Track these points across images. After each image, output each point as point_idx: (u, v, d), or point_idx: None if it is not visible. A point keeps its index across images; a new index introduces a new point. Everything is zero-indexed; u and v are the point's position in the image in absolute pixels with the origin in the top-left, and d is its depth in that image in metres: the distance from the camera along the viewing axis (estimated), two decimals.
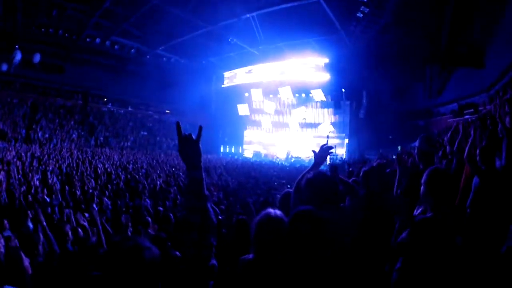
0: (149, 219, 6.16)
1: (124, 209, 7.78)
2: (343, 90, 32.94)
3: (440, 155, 5.67)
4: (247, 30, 29.25)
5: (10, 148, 18.40)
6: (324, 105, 37.00)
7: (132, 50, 33.99)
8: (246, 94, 39.33)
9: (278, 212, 2.43)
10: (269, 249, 2.31)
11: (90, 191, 9.10)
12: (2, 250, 3.93)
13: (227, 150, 41.24)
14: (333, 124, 36.22)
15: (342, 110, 35.58)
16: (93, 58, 33.84)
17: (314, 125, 37.25)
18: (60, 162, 14.95)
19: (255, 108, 40.40)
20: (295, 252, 2.25)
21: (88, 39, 31.07)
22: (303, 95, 36.85)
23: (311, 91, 34.83)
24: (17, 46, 27.23)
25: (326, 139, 31.87)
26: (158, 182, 11.37)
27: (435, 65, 25.33)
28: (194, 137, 1.89)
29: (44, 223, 4.72)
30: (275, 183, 14.32)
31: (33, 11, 25.44)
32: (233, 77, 39.47)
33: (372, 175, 4.02)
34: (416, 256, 2.63)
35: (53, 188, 8.55)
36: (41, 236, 4.52)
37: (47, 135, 28.30)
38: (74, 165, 14.51)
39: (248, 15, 27.46)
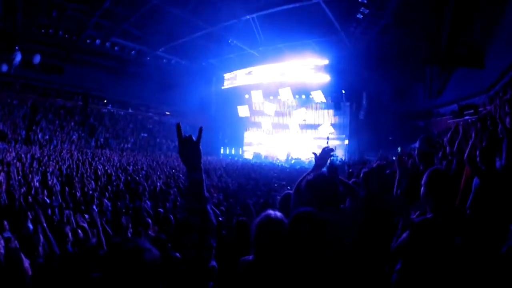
0: (149, 220, 6.16)
1: (124, 210, 7.78)
2: (343, 91, 32.92)
3: (440, 156, 5.67)
4: (247, 32, 29.30)
5: (10, 149, 18.38)
6: (324, 106, 36.97)
7: (133, 52, 34.02)
8: (246, 96, 39.33)
9: (278, 213, 2.43)
10: (269, 250, 2.31)
11: (90, 192, 9.10)
12: (2, 251, 3.92)
13: (227, 151, 41.24)
14: (333, 125, 36.18)
15: (342, 112, 35.53)
16: (93, 59, 33.84)
17: (314, 127, 37.23)
18: (60, 163, 14.94)
19: (255, 110, 40.39)
20: (295, 254, 2.26)
21: (88, 40, 31.05)
22: (303, 96, 36.82)
23: (311, 92, 34.82)
24: (17, 47, 27.23)
25: (326, 140, 31.94)
26: (158, 184, 11.38)
27: (435, 66, 25.31)
28: (194, 138, 1.89)
29: (44, 224, 4.72)
30: (275, 185, 14.33)
31: (33, 11, 25.44)
32: (233, 79, 39.52)
33: (372, 176, 4.03)
34: (416, 257, 2.63)
35: (53, 190, 8.54)
36: (41, 237, 4.52)
37: (47, 136, 28.29)
38: (74, 166, 14.49)
39: (248, 17, 27.48)
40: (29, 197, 7.71)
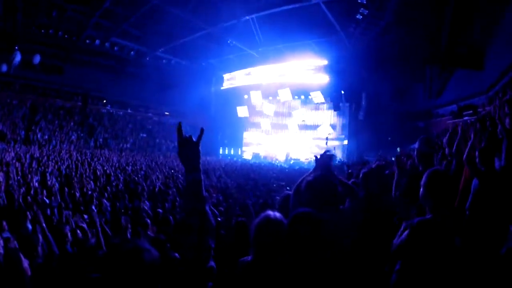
0: (148, 221, 6.15)
1: (123, 211, 7.77)
2: (343, 92, 32.92)
3: (440, 157, 5.67)
4: (246, 32, 29.31)
5: (9, 149, 18.36)
6: (323, 107, 36.99)
7: (132, 52, 34.02)
8: (246, 96, 39.39)
9: (277, 214, 2.43)
10: (268, 251, 2.31)
11: (89, 192, 9.09)
12: (2, 251, 3.92)
13: (226, 152, 41.28)
14: (332, 126, 36.20)
15: (341, 112, 35.56)
16: (93, 59, 33.86)
17: (313, 127, 37.24)
18: (59, 163, 14.92)
19: (255, 110, 40.41)
20: (294, 254, 2.26)
21: (87, 40, 31.06)
22: (303, 97, 36.86)
23: (311, 93, 34.84)
24: (16, 47, 27.22)
25: (325, 141, 31.97)
26: (157, 184, 11.36)
27: (435, 66, 25.32)
28: (194, 139, 1.88)
29: (43, 225, 4.72)
30: (274, 185, 14.33)
31: (33, 12, 25.44)
32: (233, 79, 39.54)
33: (372, 176, 4.02)
34: (415, 257, 2.63)
35: (52, 190, 8.53)
36: (40, 237, 4.52)
37: (46, 137, 28.28)
38: (73, 166, 14.47)
39: (247, 17, 27.49)
40: (28, 197, 7.70)
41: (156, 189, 10.64)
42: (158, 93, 37.60)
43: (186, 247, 1.76)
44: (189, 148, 1.87)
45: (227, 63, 36.96)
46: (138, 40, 32.25)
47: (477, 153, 3.81)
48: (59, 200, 7.72)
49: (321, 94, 33.95)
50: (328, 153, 3.36)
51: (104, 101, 37.22)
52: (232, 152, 41.21)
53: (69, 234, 4.82)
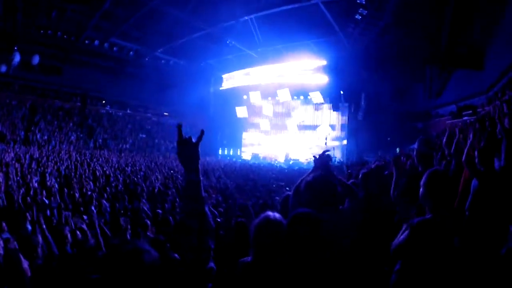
0: (148, 221, 6.15)
1: (122, 211, 7.77)
2: (342, 92, 32.91)
3: (439, 157, 5.67)
4: (245, 33, 29.31)
5: (9, 150, 18.36)
6: (322, 107, 36.99)
7: (131, 52, 34.00)
8: (245, 97, 39.40)
9: (277, 215, 2.43)
10: (267, 251, 2.31)
11: (89, 193, 9.08)
12: (1, 252, 3.92)
13: (226, 152, 41.20)
14: (331, 126, 36.20)
15: (340, 112, 35.56)
16: (92, 60, 33.79)
17: (313, 127, 37.24)
18: (58, 164, 14.92)
19: (254, 111, 40.41)
20: (293, 255, 2.26)
21: (87, 41, 31.03)
22: (302, 97, 36.86)
23: (310, 93, 34.84)
24: (16, 48, 27.22)
25: (324, 141, 31.97)
26: (157, 185, 11.36)
27: (435, 66, 25.31)
28: (193, 139, 1.88)
29: (43, 226, 4.72)
30: (274, 186, 14.32)
31: (33, 11, 25.42)
32: (232, 80, 39.52)
33: (371, 177, 4.03)
34: (415, 258, 2.63)
35: (51, 190, 8.53)
36: (40, 238, 4.52)
37: (45, 137, 28.24)
38: (73, 167, 14.48)
39: (246, 17, 27.48)
40: (28, 198, 7.70)
41: (156, 190, 10.64)
42: (157, 94, 37.57)
43: (186, 248, 1.76)
44: (188, 149, 1.86)
45: (226, 64, 36.94)
46: (137, 41, 32.21)
47: (476, 153, 3.81)
48: (59, 201, 7.73)
49: (320, 95, 33.97)
50: (325, 153, 3.36)
51: (103, 101, 37.15)
52: (231, 152, 41.15)
53: (68, 235, 4.82)
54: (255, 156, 37.80)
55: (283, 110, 39.65)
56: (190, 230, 1.76)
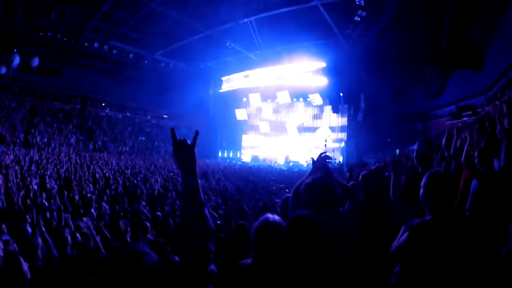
0: (148, 224, 6.15)
1: (122, 214, 7.76)
2: (341, 94, 32.93)
3: (439, 158, 5.67)
4: (245, 35, 29.30)
5: (9, 152, 18.35)
6: (322, 109, 37.01)
7: (130, 55, 33.99)
8: (244, 99, 39.42)
9: (276, 217, 2.43)
10: (267, 254, 2.31)
11: (89, 195, 9.08)
12: (1, 254, 3.92)
13: (225, 154, 41.20)
14: (331, 128, 36.23)
15: (340, 114, 35.58)
16: (91, 62, 33.77)
17: (312, 129, 37.26)
18: (58, 166, 14.92)
19: (253, 113, 40.41)
20: (293, 257, 2.25)
21: (86, 43, 31.01)
22: (301, 99, 36.89)
23: (309, 95, 34.90)
24: (15, 50, 27.21)
25: (324, 142, 31.95)
26: (156, 187, 11.36)
27: (434, 67, 25.32)
28: (189, 142, 1.87)
29: (43, 228, 4.72)
30: (273, 188, 14.31)
31: (32, 13, 25.42)
32: (231, 82, 39.51)
33: (371, 178, 4.03)
34: (415, 259, 2.63)
35: (51, 193, 8.52)
36: (40, 240, 4.51)
37: (45, 139, 28.23)
38: (73, 169, 14.47)
39: (246, 20, 27.47)
40: (28, 200, 7.70)
41: (155, 192, 10.64)
42: (157, 96, 37.55)
43: (186, 250, 1.76)
44: (184, 152, 1.85)
45: (226, 66, 36.95)
46: (137, 43, 32.22)
47: (476, 153, 3.81)
48: (59, 203, 7.73)
49: (319, 96, 34.01)
50: (323, 154, 3.36)
51: (103, 104, 37.13)
52: (231, 155, 41.14)
53: (68, 237, 4.82)
54: (254, 158, 37.82)
55: (282, 112, 39.65)
56: (190, 231, 1.75)
